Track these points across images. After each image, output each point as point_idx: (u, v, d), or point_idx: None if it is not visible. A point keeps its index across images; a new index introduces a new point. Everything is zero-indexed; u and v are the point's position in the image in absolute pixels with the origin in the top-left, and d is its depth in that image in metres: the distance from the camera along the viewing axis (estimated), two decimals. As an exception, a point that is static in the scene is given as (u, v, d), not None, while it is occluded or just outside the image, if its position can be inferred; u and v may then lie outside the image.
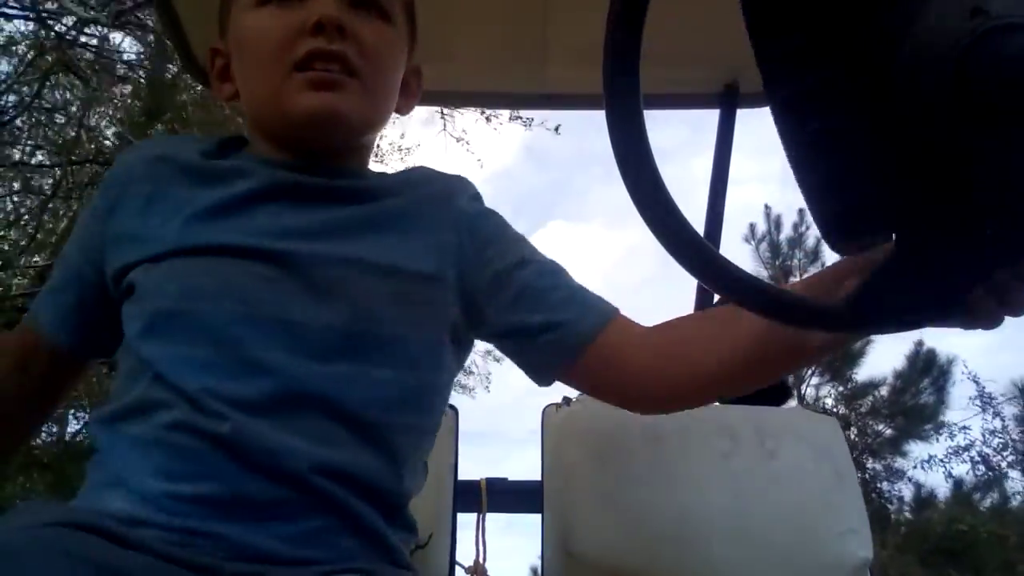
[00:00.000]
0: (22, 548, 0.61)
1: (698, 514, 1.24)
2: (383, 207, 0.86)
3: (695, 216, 1.55)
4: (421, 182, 0.91)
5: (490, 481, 1.42)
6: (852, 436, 10.30)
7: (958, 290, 0.61)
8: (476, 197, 0.93)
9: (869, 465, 10.75)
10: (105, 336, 0.87)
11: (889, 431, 10.78)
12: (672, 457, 1.28)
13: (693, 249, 0.63)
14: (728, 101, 1.67)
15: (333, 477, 0.73)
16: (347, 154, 0.89)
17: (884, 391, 10.69)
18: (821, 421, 1.44)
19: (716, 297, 1.61)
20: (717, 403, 1.54)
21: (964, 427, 10.64)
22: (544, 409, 1.41)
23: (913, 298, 0.61)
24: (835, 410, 10.40)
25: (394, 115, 0.93)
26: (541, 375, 0.90)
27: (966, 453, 10.71)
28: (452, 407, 1.39)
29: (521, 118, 9.50)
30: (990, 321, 0.62)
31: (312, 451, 0.73)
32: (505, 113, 9.42)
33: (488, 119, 9.47)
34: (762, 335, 0.76)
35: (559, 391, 1.37)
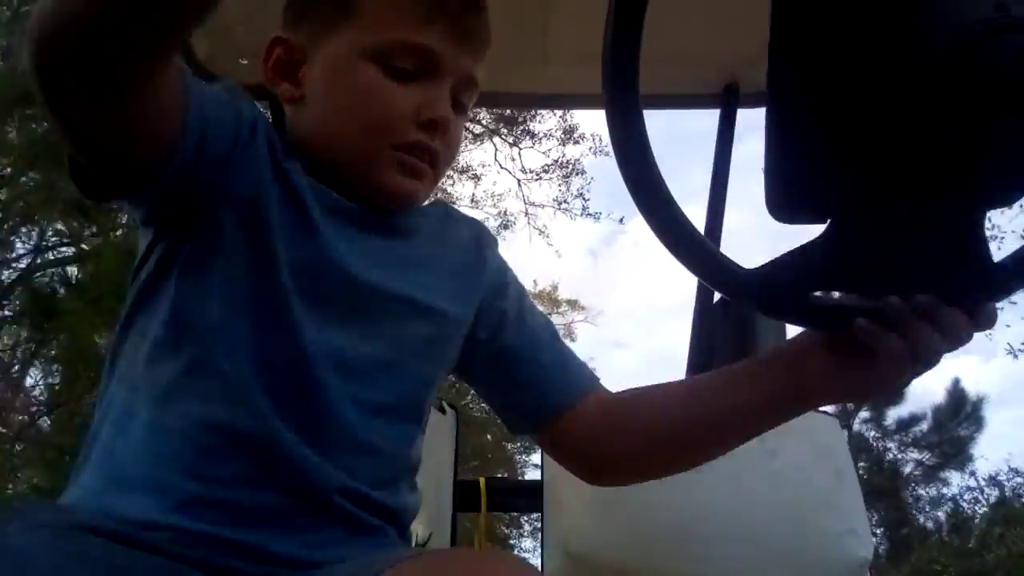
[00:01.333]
0: (32, 550, 0.59)
1: (698, 514, 1.23)
2: (421, 246, 0.86)
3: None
4: (449, 223, 0.91)
5: (490, 481, 1.43)
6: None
7: (873, 292, 0.63)
8: (496, 245, 0.95)
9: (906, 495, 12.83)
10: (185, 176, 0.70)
11: (927, 460, 12.86)
12: (672, 457, 1.28)
13: (692, 246, 0.64)
14: (728, 101, 1.67)
15: (353, 500, 0.75)
16: None
17: (924, 426, 12.88)
18: (822, 420, 1.44)
19: (716, 295, 1.61)
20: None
21: (945, 481, 13.25)
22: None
23: (825, 287, 0.63)
24: (878, 445, 12.79)
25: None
26: (512, 426, 0.93)
27: (947, 504, 13.26)
28: (453, 407, 1.39)
29: (591, 214, 11.76)
30: (924, 351, 0.64)
31: (338, 475, 0.74)
32: (577, 207, 11.59)
33: (564, 209, 11.45)
34: (741, 408, 0.79)
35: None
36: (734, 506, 1.24)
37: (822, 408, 1.44)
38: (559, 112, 11.15)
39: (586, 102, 1.84)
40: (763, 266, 0.62)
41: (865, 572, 1.26)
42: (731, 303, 1.29)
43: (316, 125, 0.83)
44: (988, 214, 0.60)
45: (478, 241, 0.91)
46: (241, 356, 0.73)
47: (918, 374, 0.68)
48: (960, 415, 12.92)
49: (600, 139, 11.58)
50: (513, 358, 0.89)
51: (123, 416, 0.74)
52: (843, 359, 0.70)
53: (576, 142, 11.82)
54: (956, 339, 0.65)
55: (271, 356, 0.73)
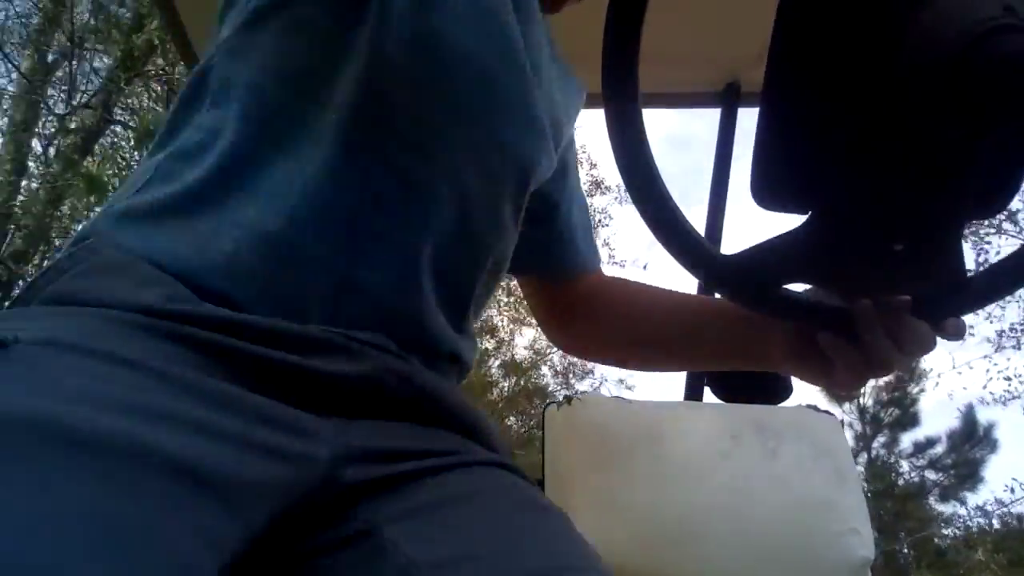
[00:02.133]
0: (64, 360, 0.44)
1: (699, 513, 1.23)
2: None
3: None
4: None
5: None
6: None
7: (844, 294, 0.63)
8: None
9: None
10: None
11: (945, 480, 13.94)
12: (673, 456, 1.28)
13: (692, 247, 0.63)
14: (729, 100, 1.67)
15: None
16: None
17: (939, 448, 14.01)
18: (822, 420, 1.43)
19: (716, 297, 1.61)
20: (718, 401, 1.54)
21: (961, 500, 14.39)
22: (546, 408, 1.41)
23: (796, 278, 0.62)
24: (898, 464, 13.95)
25: None
26: (516, 271, 0.90)
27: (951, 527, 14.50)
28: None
29: (617, 261, 12.20)
30: (878, 362, 0.62)
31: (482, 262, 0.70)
32: (604, 256, 12.09)
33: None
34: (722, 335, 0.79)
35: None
36: (735, 506, 1.24)
37: (823, 408, 1.43)
38: (586, 166, 11.31)
39: (587, 101, 1.83)
40: (740, 253, 0.62)
41: (867, 572, 1.25)
42: (705, 289, 1.29)
43: None
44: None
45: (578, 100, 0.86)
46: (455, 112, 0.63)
47: (870, 379, 0.66)
48: (974, 438, 13.88)
49: (622, 188, 11.85)
50: (553, 207, 0.85)
51: (260, 142, 0.57)
52: (807, 347, 0.68)
53: (603, 192, 12.10)
54: (916, 350, 0.63)
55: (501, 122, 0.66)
